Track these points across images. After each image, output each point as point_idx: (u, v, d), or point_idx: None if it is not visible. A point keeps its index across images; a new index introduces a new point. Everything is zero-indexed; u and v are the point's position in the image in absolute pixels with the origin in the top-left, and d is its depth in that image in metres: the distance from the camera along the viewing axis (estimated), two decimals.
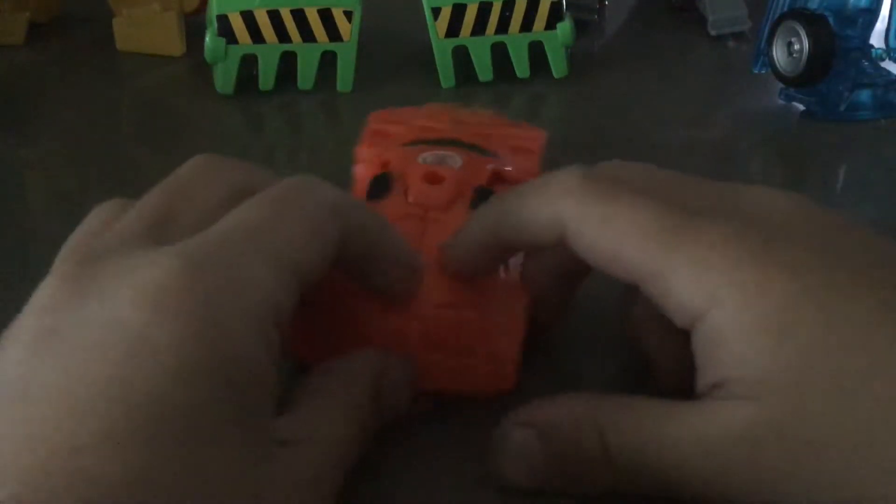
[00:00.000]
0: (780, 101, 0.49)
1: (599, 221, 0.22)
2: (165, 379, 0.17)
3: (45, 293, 0.19)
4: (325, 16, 0.48)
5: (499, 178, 0.30)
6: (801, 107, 0.48)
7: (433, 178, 0.28)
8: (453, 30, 0.49)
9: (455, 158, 0.30)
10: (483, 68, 0.50)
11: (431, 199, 0.28)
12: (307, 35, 0.49)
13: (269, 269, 0.20)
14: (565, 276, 0.27)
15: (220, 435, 0.17)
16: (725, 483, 0.21)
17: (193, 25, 0.55)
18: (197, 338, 0.18)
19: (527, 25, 0.50)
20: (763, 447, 0.20)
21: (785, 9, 0.48)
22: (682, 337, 0.23)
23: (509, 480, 0.23)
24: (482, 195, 0.28)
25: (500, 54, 0.51)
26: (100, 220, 0.23)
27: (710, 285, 0.21)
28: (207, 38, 0.48)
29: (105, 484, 0.15)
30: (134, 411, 0.16)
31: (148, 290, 0.18)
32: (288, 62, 0.49)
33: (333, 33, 0.49)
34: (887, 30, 0.44)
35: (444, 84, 0.50)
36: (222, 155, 0.24)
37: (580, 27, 0.54)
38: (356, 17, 0.49)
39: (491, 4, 0.49)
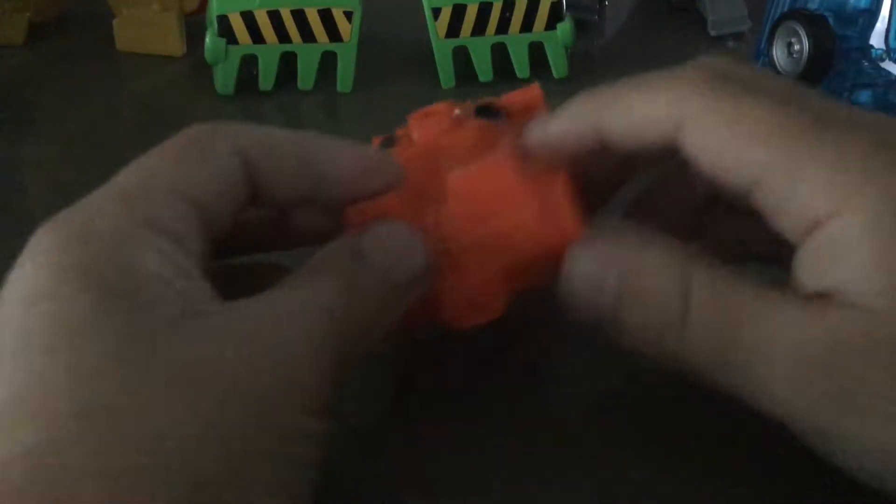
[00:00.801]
0: None
1: (726, 120, 0.21)
2: (34, 280, 0.19)
3: None
4: (325, 16, 0.48)
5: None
6: None
7: (432, 115, 0.27)
8: (453, 30, 0.49)
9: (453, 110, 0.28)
10: (483, 68, 0.50)
11: (435, 129, 0.26)
12: (307, 35, 0.49)
13: (146, 194, 0.20)
14: (620, 162, 0.26)
15: (89, 325, 0.18)
16: (803, 390, 0.20)
17: (193, 25, 0.55)
18: (63, 249, 0.19)
19: (527, 26, 0.50)
20: (868, 360, 0.19)
21: (785, 9, 0.48)
22: None
23: (574, 312, 0.23)
24: (484, 110, 0.27)
25: (500, 54, 0.51)
26: None
27: (843, 189, 0.20)
28: (207, 39, 0.48)
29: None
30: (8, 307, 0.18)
31: (34, 237, 0.20)
32: (288, 62, 0.49)
33: (333, 33, 0.49)
34: (887, 30, 0.44)
35: (444, 84, 0.50)
36: None
37: (580, 27, 0.54)
38: (356, 18, 0.49)
39: (491, 5, 0.49)
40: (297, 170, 0.22)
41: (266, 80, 0.49)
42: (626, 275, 0.22)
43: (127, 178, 0.21)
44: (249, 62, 0.49)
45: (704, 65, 0.23)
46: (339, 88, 0.50)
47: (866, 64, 0.45)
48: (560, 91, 0.51)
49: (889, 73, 0.46)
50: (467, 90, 0.50)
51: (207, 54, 0.48)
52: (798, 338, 0.20)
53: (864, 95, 0.46)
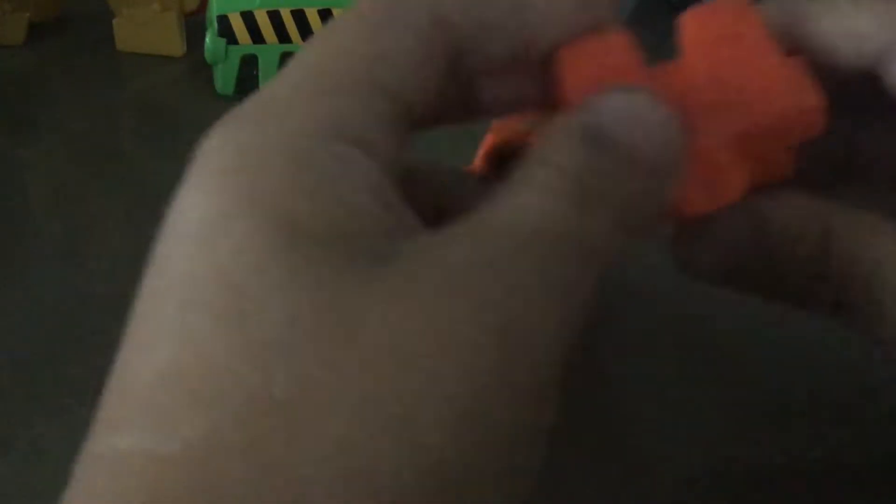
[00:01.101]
0: None
1: None
2: (202, 212, 0.14)
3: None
4: (326, 16, 0.48)
5: None
6: None
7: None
8: None
9: None
10: None
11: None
12: (307, 35, 0.49)
13: (336, 86, 0.16)
14: None
15: (269, 278, 0.14)
16: None
17: (193, 25, 0.55)
18: (235, 168, 0.15)
19: None
20: None
21: None
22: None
23: (701, 267, 0.20)
24: None
25: None
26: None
27: None
28: (208, 39, 0.48)
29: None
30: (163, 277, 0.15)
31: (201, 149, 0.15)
32: (288, 62, 0.49)
33: None
34: None
35: None
36: None
37: None
38: None
39: None
40: (505, 23, 0.17)
41: (266, 80, 0.49)
42: (758, 228, 0.19)
43: (313, 59, 0.17)
44: (249, 62, 0.49)
45: None
46: None
47: None
48: None
49: None
50: None
51: (207, 54, 0.48)
52: None
53: None
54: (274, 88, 0.16)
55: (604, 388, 0.28)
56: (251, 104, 0.16)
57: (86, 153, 0.45)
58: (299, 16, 0.48)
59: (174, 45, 0.54)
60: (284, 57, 0.49)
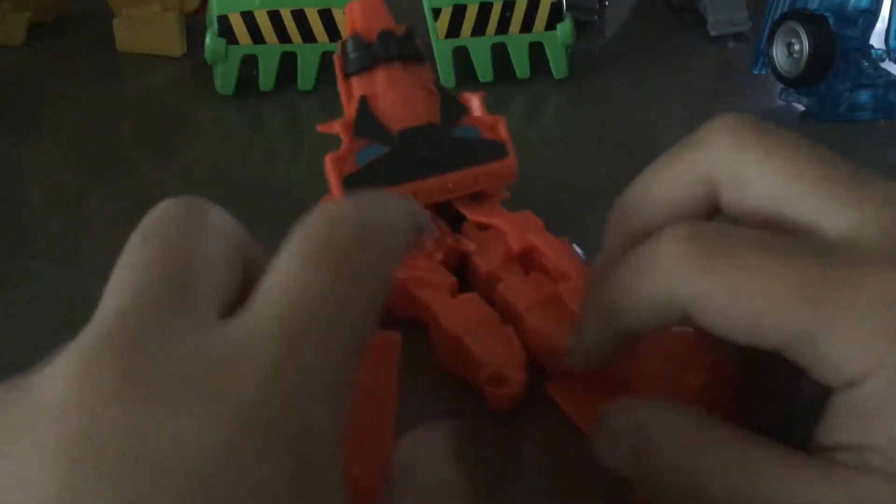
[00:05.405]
0: (780, 102, 0.49)
1: (727, 294, 0.19)
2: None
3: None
4: (325, 16, 0.48)
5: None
6: (801, 107, 0.48)
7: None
8: (453, 30, 0.49)
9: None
10: (483, 69, 0.50)
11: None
12: (307, 35, 0.49)
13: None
14: None
15: None
16: None
17: (193, 26, 0.55)
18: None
19: (527, 26, 0.50)
20: None
21: (785, 9, 0.48)
22: None
23: (601, 461, 0.22)
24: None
25: (500, 55, 0.51)
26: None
27: (873, 350, 0.18)
28: (208, 39, 0.48)
29: None
30: None
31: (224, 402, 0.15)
32: (288, 62, 0.49)
33: (333, 33, 0.49)
34: (887, 30, 0.44)
35: (444, 84, 0.50)
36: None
37: (580, 27, 0.54)
38: None
39: (491, 5, 0.49)
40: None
41: (266, 80, 0.49)
42: (644, 438, 0.21)
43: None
44: (249, 62, 0.49)
45: (680, 231, 0.20)
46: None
47: (866, 64, 0.46)
48: (560, 91, 0.51)
49: (889, 73, 0.46)
50: (467, 90, 0.50)
51: (208, 54, 0.48)
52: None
53: (864, 96, 0.46)
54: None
55: None
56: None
57: (86, 153, 0.45)
58: (299, 16, 0.48)
59: (174, 45, 0.54)
60: (284, 57, 0.49)
